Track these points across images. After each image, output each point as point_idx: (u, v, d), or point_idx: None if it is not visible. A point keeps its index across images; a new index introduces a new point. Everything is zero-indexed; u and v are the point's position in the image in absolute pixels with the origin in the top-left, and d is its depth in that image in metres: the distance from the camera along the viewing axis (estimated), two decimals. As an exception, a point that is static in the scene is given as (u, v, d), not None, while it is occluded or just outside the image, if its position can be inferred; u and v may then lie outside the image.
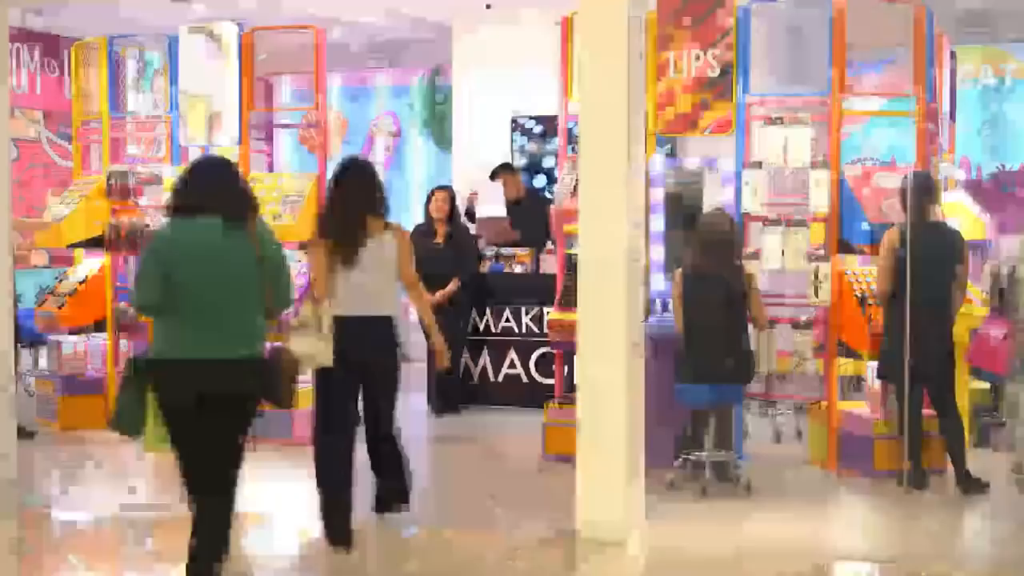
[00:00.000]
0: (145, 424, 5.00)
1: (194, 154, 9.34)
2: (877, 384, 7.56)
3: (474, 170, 11.73)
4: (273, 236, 5.17)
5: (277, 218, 8.67)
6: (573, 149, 8.07)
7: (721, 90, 7.88)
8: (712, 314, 7.07)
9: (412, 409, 9.49)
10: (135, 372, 4.99)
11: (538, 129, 12.42)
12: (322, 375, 5.85)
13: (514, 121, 12.47)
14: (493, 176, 10.62)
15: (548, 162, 12.32)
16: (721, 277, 7.09)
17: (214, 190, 5.00)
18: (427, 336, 6.61)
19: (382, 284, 5.99)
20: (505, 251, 10.35)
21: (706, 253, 7.15)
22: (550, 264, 9.72)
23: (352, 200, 6.01)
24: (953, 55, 9.61)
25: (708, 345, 7.07)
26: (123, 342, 9.54)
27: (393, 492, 6.23)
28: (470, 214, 10.86)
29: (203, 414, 4.89)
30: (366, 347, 5.88)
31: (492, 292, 10.13)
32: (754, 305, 7.19)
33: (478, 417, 9.84)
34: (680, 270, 7.28)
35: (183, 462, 5.05)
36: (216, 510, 5.11)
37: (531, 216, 10.25)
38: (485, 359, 10.25)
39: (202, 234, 4.92)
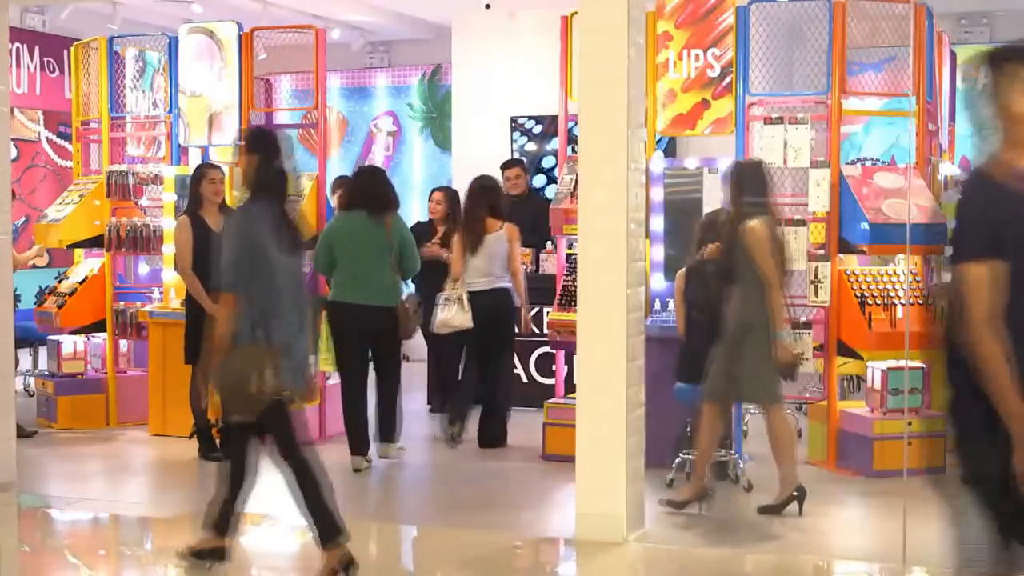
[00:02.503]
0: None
1: (194, 154, 9.36)
2: (877, 383, 7.56)
3: (474, 170, 11.73)
4: (404, 225, 7.96)
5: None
6: (573, 149, 8.07)
7: (721, 90, 7.88)
8: (714, 314, 7.06)
9: (411, 408, 9.50)
10: (314, 311, 7.17)
11: (538, 129, 12.41)
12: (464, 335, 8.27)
13: (514, 121, 12.47)
14: (505, 168, 10.54)
15: (548, 162, 12.31)
16: (725, 277, 7.08)
17: (362, 194, 7.81)
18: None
19: (496, 267, 8.27)
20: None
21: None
22: (550, 264, 9.72)
23: (476, 204, 8.38)
24: (953, 55, 9.61)
25: (711, 345, 7.06)
26: (123, 342, 9.55)
27: (489, 435, 8.44)
28: None
29: (355, 339, 7.70)
30: (482, 313, 8.16)
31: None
32: None
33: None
34: (684, 269, 7.27)
35: (342, 369, 7.87)
36: (382, 396, 7.90)
37: (530, 215, 10.24)
38: (485, 359, 10.25)
39: (351, 223, 7.76)
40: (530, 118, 12.36)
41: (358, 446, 7.75)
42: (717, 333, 7.07)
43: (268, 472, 7.90)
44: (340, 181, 9.84)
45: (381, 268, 7.68)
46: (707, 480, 6.67)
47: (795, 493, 6.55)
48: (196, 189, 8.10)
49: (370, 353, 7.88)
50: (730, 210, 6.68)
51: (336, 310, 7.72)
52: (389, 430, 7.99)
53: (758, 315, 6.47)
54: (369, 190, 7.83)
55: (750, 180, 6.68)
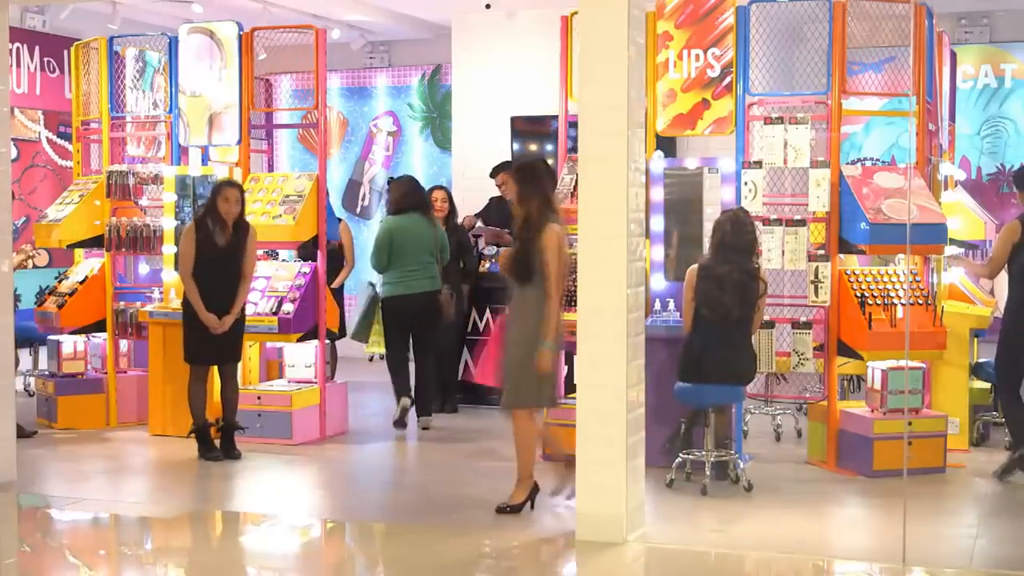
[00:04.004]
0: (370, 335, 9.40)
1: (194, 154, 9.35)
2: (877, 383, 7.56)
3: (474, 170, 11.74)
4: (440, 223, 9.44)
5: (277, 218, 8.68)
6: (573, 149, 8.07)
7: (721, 90, 7.88)
8: (725, 314, 7.06)
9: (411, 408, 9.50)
10: (370, 303, 9.35)
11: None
12: None
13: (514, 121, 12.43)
14: (494, 174, 10.60)
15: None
16: (739, 278, 7.08)
17: (414, 197, 9.25)
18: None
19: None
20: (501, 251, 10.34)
21: (727, 253, 7.13)
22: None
23: None
24: (953, 55, 9.61)
25: (717, 344, 7.07)
26: (123, 342, 9.55)
27: None
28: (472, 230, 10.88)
29: (404, 324, 9.10)
30: None
31: (492, 292, 10.14)
32: (757, 312, 7.19)
33: (477, 417, 9.83)
34: (695, 266, 7.26)
35: (390, 350, 9.21)
36: (423, 373, 9.27)
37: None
38: (485, 359, 10.25)
39: (407, 222, 9.12)
40: (530, 118, 12.31)
41: (404, 392, 9.16)
42: (724, 332, 7.08)
43: (267, 473, 7.92)
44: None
45: (431, 260, 9.11)
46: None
47: (530, 494, 6.64)
48: (212, 202, 8.07)
49: (411, 335, 9.18)
50: (523, 210, 6.48)
51: (394, 302, 9.08)
52: (427, 406, 9.22)
53: (529, 321, 6.41)
54: (419, 195, 9.31)
55: (549, 180, 6.59)
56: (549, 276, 6.38)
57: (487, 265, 10.34)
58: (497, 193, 10.84)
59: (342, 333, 9.74)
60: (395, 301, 9.07)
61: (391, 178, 10.99)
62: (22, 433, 8.31)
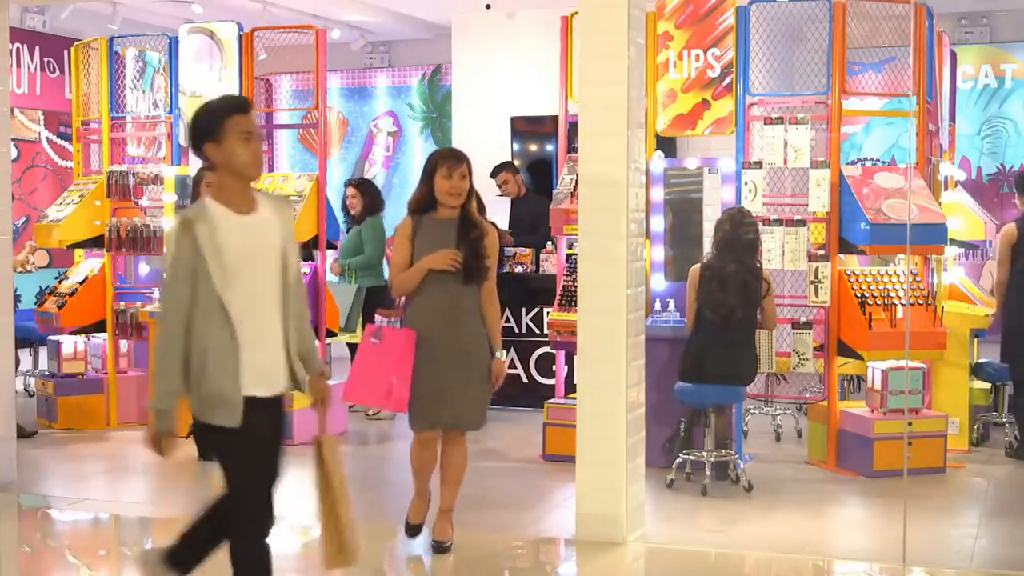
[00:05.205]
0: (357, 326, 9.37)
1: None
2: (877, 383, 7.57)
3: (474, 170, 11.70)
4: None
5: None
6: (573, 149, 8.08)
7: (721, 90, 7.88)
8: (728, 314, 7.06)
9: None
10: (356, 295, 9.51)
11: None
12: None
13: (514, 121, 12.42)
14: (494, 174, 10.61)
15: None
16: (742, 278, 7.07)
17: (379, 199, 10.12)
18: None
19: None
20: (505, 251, 10.34)
21: (730, 253, 7.12)
22: (550, 264, 9.73)
23: None
24: (953, 55, 9.61)
25: (719, 344, 7.06)
26: (123, 342, 9.54)
27: None
28: None
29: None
30: None
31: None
32: (767, 309, 7.19)
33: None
34: (698, 265, 7.26)
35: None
36: None
37: (530, 216, 10.25)
38: (485, 359, 10.24)
39: (383, 222, 10.02)
40: (530, 118, 12.32)
41: None
42: (726, 332, 7.07)
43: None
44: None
45: None
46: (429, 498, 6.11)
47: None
48: (196, 191, 8.07)
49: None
50: (469, 204, 5.81)
51: (384, 290, 9.39)
52: None
53: (480, 328, 5.74)
54: (381, 197, 10.18)
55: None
56: (491, 278, 5.78)
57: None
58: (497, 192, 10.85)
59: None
60: (380, 290, 9.57)
61: (348, 181, 10.79)
62: (22, 433, 8.31)
